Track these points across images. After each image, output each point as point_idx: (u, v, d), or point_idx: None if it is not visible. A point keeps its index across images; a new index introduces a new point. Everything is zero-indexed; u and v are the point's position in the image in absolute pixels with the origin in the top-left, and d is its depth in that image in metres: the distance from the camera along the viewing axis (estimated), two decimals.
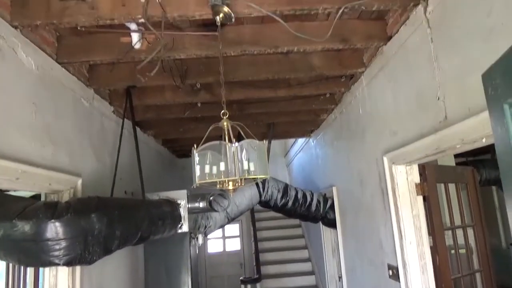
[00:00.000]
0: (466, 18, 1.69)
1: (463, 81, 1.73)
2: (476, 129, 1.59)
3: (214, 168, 1.64)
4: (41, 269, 2.42)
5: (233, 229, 9.26)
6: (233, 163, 1.63)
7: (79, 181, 2.54)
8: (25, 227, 1.72)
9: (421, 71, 2.11)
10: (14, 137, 1.91)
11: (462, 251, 2.76)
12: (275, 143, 8.10)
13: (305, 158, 6.85)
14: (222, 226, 4.53)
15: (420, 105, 2.16)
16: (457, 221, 2.77)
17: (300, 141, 6.97)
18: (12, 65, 1.94)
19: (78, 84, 2.68)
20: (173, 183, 5.86)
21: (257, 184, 4.26)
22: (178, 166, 6.85)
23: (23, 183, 1.94)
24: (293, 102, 3.92)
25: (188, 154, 6.67)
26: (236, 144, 1.67)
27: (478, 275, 2.86)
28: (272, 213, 6.17)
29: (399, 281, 2.53)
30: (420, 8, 2.06)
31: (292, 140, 8.14)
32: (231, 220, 4.27)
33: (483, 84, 0.77)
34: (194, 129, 4.59)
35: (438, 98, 1.94)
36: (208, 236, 7.35)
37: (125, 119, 3.23)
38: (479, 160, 5.09)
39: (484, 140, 1.59)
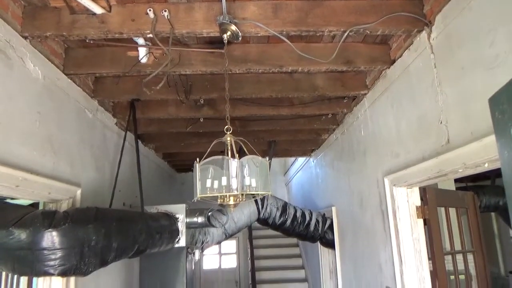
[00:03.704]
0: (469, 46, 1.71)
1: (466, 106, 1.75)
2: (479, 154, 1.59)
3: (216, 183, 1.65)
4: (34, 279, 2.38)
5: (229, 246, 9.17)
6: (235, 178, 1.63)
7: (78, 191, 2.53)
8: (21, 235, 1.71)
9: (424, 95, 2.13)
10: (16, 144, 1.92)
11: (462, 277, 2.73)
12: (275, 161, 8.09)
13: (305, 177, 6.84)
14: (219, 242, 4.49)
15: (423, 129, 2.18)
16: (457, 246, 2.75)
17: (300, 160, 6.97)
18: (19, 74, 1.97)
19: (82, 95, 2.70)
20: (172, 198, 5.84)
21: (256, 202, 4.25)
22: (177, 181, 6.83)
23: (23, 191, 1.94)
24: (295, 121, 3.95)
25: (188, 169, 6.67)
26: (239, 159, 1.67)
27: None
28: (270, 231, 6.12)
29: None
30: (424, 34, 2.10)
31: (291, 159, 8.14)
32: (228, 236, 4.23)
33: (490, 108, 0.78)
34: (196, 144, 4.60)
35: (441, 122, 1.95)
36: (204, 252, 7.27)
37: (127, 131, 3.25)
38: (479, 186, 5.08)
39: (486, 165, 1.59)
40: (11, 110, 1.89)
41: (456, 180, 4.26)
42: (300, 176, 7.46)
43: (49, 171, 2.20)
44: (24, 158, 1.97)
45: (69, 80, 2.49)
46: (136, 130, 3.28)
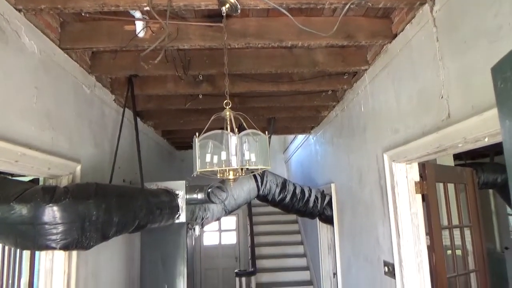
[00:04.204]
0: (473, 18, 1.68)
1: (468, 80, 1.73)
2: (479, 128, 1.58)
3: (215, 158, 1.64)
4: (37, 253, 2.41)
5: (229, 222, 9.28)
6: (234, 153, 1.63)
7: (78, 167, 2.53)
8: (22, 210, 1.72)
9: (425, 69, 2.11)
10: (14, 120, 1.91)
11: (458, 251, 2.77)
12: (274, 139, 8.10)
13: (304, 154, 6.85)
14: (219, 218, 4.54)
15: (423, 104, 2.16)
16: (455, 221, 2.78)
17: (300, 137, 6.97)
18: (15, 48, 1.93)
19: (80, 71, 2.67)
20: (172, 175, 5.87)
21: (255, 178, 4.26)
22: (177, 158, 6.85)
23: (22, 166, 1.94)
24: (295, 98, 3.92)
25: (187, 147, 6.67)
26: (238, 134, 1.67)
27: (473, 275, 2.87)
28: (269, 208, 6.18)
29: (395, 278, 2.54)
30: (426, 7, 2.05)
31: (291, 137, 8.14)
32: (228, 212, 4.27)
33: (492, 77, 0.77)
34: (195, 121, 4.58)
35: (442, 97, 1.93)
36: (204, 229, 7.36)
37: (125, 108, 3.22)
38: (478, 163, 5.10)
39: (486, 139, 1.58)
40: (8, 85, 1.87)
41: (455, 158, 4.27)
42: (299, 154, 7.48)
43: (48, 146, 2.20)
44: (23, 133, 1.96)
45: (66, 55, 2.46)
46: (134, 107, 3.26)
